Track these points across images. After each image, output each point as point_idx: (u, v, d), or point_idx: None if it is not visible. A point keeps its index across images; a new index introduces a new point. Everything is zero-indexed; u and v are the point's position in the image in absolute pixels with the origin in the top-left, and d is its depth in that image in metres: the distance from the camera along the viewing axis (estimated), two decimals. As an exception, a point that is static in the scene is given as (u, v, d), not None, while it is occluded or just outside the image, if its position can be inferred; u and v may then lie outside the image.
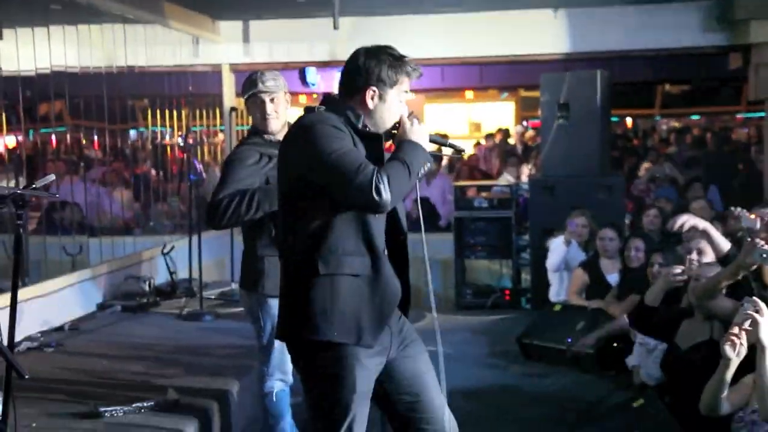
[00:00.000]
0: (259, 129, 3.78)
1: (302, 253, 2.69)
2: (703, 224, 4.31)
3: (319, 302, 2.67)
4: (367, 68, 2.74)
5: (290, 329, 2.77)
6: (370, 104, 2.75)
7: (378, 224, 2.74)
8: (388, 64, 2.74)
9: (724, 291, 4.04)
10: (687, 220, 4.27)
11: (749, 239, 3.79)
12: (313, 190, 2.66)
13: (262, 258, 3.68)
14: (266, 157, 3.66)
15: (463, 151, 2.96)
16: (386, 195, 2.54)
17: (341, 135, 2.65)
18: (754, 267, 3.75)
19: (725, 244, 4.34)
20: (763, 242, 3.64)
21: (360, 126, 2.74)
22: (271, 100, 3.74)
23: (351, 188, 2.55)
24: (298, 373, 2.90)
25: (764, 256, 3.58)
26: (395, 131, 2.79)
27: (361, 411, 2.73)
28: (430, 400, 2.85)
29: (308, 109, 2.80)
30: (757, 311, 3.02)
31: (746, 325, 2.92)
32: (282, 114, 3.79)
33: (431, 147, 2.81)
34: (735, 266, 3.83)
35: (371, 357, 2.72)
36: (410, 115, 2.80)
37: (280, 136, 3.64)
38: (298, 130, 2.74)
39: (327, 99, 2.84)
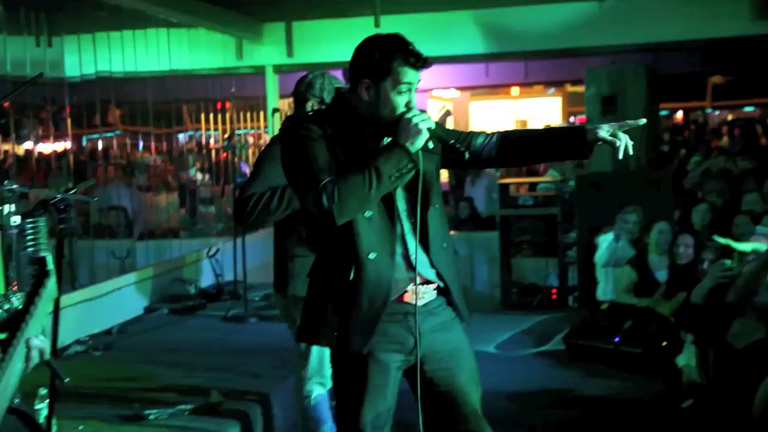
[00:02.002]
0: None
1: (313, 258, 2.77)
2: (748, 247, 4.13)
3: (307, 307, 2.72)
4: (359, 58, 2.58)
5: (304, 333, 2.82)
6: (365, 96, 2.57)
7: (369, 224, 2.59)
8: (380, 52, 2.53)
9: None
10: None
11: None
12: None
13: (292, 258, 3.67)
14: None
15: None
16: (335, 208, 2.48)
17: (310, 146, 2.55)
18: None
19: None
20: None
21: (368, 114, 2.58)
22: None
23: (307, 200, 2.55)
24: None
25: None
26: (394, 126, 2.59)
27: (383, 412, 2.68)
28: (465, 395, 2.71)
29: (289, 118, 2.80)
30: None
31: None
32: None
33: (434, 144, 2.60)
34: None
35: (387, 353, 2.65)
36: (413, 110, 2.57)
37: None
38: (280, 138, 2.79)
39: (335, 97, 2.79)
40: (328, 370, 3.79)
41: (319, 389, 3.79)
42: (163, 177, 8.30)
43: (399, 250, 2.64)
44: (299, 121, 2.66)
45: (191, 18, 7.87)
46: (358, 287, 2.60)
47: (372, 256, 2.59)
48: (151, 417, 3.98)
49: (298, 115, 2.70)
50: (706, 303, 4.38)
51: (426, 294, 2.69)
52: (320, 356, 3.75)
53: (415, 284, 2.63)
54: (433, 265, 2.68)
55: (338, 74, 11.12)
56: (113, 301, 6.24)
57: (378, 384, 2.65)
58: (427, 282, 2.67)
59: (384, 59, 2.53)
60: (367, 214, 2.60)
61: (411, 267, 2.64)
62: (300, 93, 3.71)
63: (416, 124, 2.53)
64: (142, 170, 7.88)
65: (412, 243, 2.64)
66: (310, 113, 2.75)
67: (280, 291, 3.77)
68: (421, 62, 2.56)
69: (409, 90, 2.59)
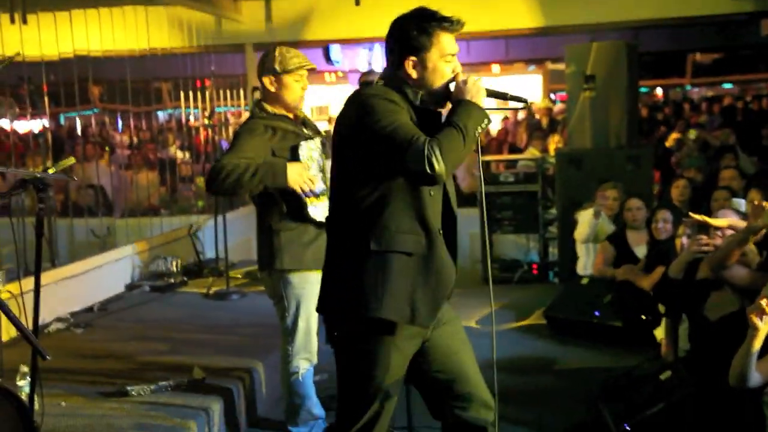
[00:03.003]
0: (286, 104, 3.74)
1: (354, 229, 2.65)
2: (724, 223, 4.15)
3: (370, 279, 2.61)
4: (399, 38, 2.65)
5: (335, 303, 2.72)
6: (414, 74, 2.65)
7: (434, 203, 2.68)
8: (417, 28, 2.62)
9: (750, 259, 3.96)
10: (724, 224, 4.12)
11: (756, 202, 3.71)
12: (368, 165, 2.61)
13: (277, 232, 3.68)
14: (271, 129, 3.67)
15: (527, 101, 2.76)
16: (439, 166, 2.47)
17: (395, 109, 2.58)
18: (763, 231, 3.66)
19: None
20: None
21: (418, 102, 2.67)
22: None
23: (404, 161, 2.50)
24: (332, 347, 2.85)
25: None
26: (448, 93, 2.67)
27: (392, 392, 2.72)
28: (466, 378, 2.80)
29: (364, 84, 2.75)
30: None
31: None
32: None
33: (491, 102, 2.69)
34: (745, 231, 3.75)
35: (409, 339, 2.69)
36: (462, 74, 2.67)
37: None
38: (353, 105, 2.67)
39: (384, 73, 2.76)
40: (314, 346, 3.82)
41: (306, 365, 3.82)
42: (143, 155, 8.25)
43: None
44: (379, 88, 2.67)
45: (169, -5, 7.81)
46: (431, 261, 2.65)
47: (440, 231, 2.68)
48: (134, 393, 3.98)
49: (376, 85, 2.69)
50: (683, 277, 4.43)
51: None
52: (307, 332, 3.78)
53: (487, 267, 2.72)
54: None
55: (317, 52, 10.97)
56: (94, 279, 6.22)
57: (401, 364, 2.70)
58: None
59: (424, 33, 2.62)
60: (432, 192, 2.67)
61: None
62: (258, 70, 3.77)
63: (475, 83, 2.61)
64: (120, 148, 7.83)
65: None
66: (381, 83, 2.71)
67: (265, 269, 3.78)
68: (458, 25, 2.65)
69: (453, 56, 2.67)
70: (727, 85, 19.17)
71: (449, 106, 2.66)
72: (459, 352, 2.81)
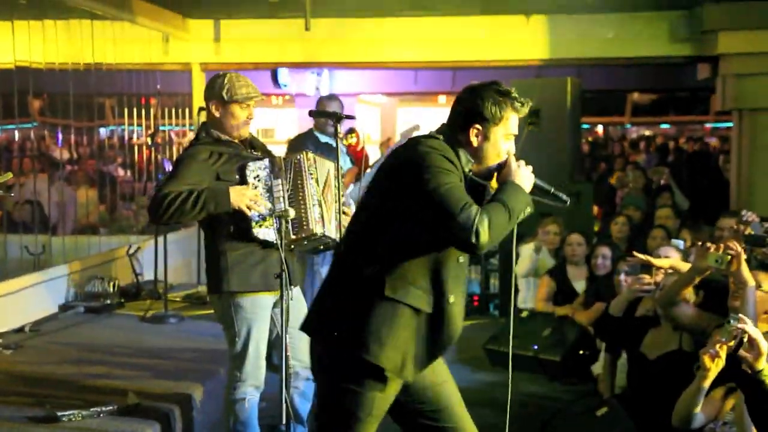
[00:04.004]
0: (228, 131, 3.72)
1: (372, 268, 2.65)
2: (666, 263, 4.24)
3: (376, 323, 2.62)
4: (472, 105, 2.71)
5: (330, 334, 2.70)
6: (475, 142, 2.71)
7: (459, 269, 2.73)
8: (492, 100, 2.69)
9: (693, 299, 4.05)
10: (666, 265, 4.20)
11: (700, 244, 3.80)
12: (409, 212, 2.61)
13: (224, 252, 3.64)
14: (216, 154, 3.65)
15: (567, 202, 2.80)
16: (484, 237, 2.51)
17: (453, 169, 2.62)
18: (708, 272, 3.75)
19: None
20: (714, 246, 3.65)
21: (467, 169, 2.72)
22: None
23: (451, 225, 2.52)
24: (315, 375, 2.89)
25: (718, 261, 3.59)
26: (499, 171, 2.74)
27: (370, 429, 2.76)
28: (451, 409, 2.86)
29: (428, 136, 2.74)
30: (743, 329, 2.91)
31: (732, 342, 2.86)
32: None
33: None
34: (691, 271, 3.84)
35: (396, 386, 2.73)
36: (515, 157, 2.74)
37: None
38: (412, 150, 2.67)
39: (443, 130, 2.77)
40: (262, 373, 3.77)
41: (254, 392, 3.76)
42: (83, 171, 8.07)
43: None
44: (441, 143, 2.68)
45: (116, 11, 7.69)
46: (436, 321, 2.68)
47: (452, 300, 2.71)
48: (64, 419, 3.86)
49: (436, 140, 2.70)
50: (623, 315, 4.50)
51: None
52: (256, 357, 3.72)
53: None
54: None
55: (265, 74, 10.97)
56: (26, 299, 6.03)
57: (384, 406, 2.74)
58: None
59: (497, 106, 2.69)
60: (461, 259, 2.72)
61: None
62: (206, 94, 3.76)
63: (527, 170, 2.70)
64: (60, 164, 7.65)
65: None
66: (442, 138, 2.71)
67: (215, 292, 3.72)
68: (527, 107, 2.73)
69: (514, 137, 2.76)
70: (665, 125, 19.72)
71: (494, 184, 2.74)
72: (442, 384, 2.87)
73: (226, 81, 3.70)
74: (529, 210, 2.66)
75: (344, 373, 2.68)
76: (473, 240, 2.50)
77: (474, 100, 2.71)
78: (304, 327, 2.83)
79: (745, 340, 2.76)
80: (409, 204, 2.60)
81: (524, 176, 2.69)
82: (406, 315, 2.64)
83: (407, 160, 2.67)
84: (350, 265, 2.74)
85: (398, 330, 2.63)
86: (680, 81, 14.18)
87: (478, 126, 2.70)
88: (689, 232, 6.02)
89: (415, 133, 5.49)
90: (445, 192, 2.54)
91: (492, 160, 2.73)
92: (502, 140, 2.72)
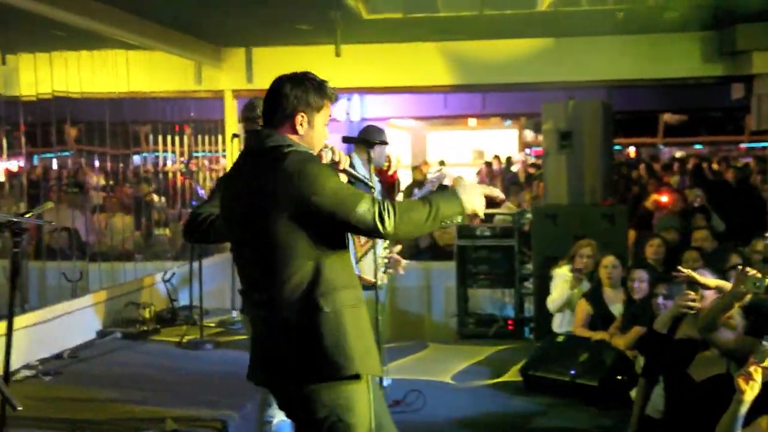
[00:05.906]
0: None
1: (299, 294, 2.65)
2: (712, 283, 4.16)
3: (331, 339, 2.63)
4: (295, 95, 2.76)
5: (293, 371, 2.68)
6: (300, 130, 2.77)
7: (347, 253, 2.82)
8: (313, 89, 2.77)
9: (736, 323, 3.98)
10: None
11: (740, 267, 3.74)
12: (308, 225, 2.63)
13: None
14: None
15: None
16: (389, 224, 2.59)
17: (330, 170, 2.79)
18: (748, 296, 3.69)
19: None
20: (755, 271, 3.59)
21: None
22: None
23: (355, 214, 2.60)
24: (288, 415, 2.89)
25: (757, 284, 3.53)
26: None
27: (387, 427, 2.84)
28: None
29: (277, 148, 2.71)
30: None
31: (766, 364, 2.81)
32: None
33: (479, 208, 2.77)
34: (729, 296, 3.78)
35: (374, 385, 2.79)
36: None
37: None
38: (288, 170, 2.64)
39: (271, 133, 2.77)
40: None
41: (281, 414, 3.74)
42: (118, 198, 8.17)
43: None
44: (306, 152, 2.77)
45: (150, 41, 7.81)
46: (365, 310, 2.78)
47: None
48: (104, 445, 3.89)
49: (286, 146, 2.78)
50: (669, 331, 4.44)
51: None
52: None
53: None
54: None
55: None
56: (64, 325, 6.08)
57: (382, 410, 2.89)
58: None
59: (320, 95, 2.82)
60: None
61: None
62: (247, 114, 3.94)
63: (476, 191, 2.74)
64: (96, 191, 7.75)
65: None
66: (302, 148, 2.82)
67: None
68: (336, 98, 2.87)
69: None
70: (698, 146, 19.53)
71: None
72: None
73: (259, 104, 3.78)
74: (459, 219, 2.73)
75: (324, 401, 2.66)
76: (378, 225, 2.60)
77: (297, 90, 2.76)
78: (274, 375, 2.78)
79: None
80: (309, 214, 2.62)
81: (471, 191, 2.73)
82: (350, 317, 2.69)
83: (289, 180, 2.64)
84: (271, 300, 2.70)
85: (352, 334, 2.67)
86: (712, 100, 14.07)
87: (302, 114, 2.76)
88: (738, 255, 5.90)
89: (440, 178, 5.59)
90: (339, 189, 2.66)
91: (316, 145, 2.82)
92: (322, 126, 2.82)
